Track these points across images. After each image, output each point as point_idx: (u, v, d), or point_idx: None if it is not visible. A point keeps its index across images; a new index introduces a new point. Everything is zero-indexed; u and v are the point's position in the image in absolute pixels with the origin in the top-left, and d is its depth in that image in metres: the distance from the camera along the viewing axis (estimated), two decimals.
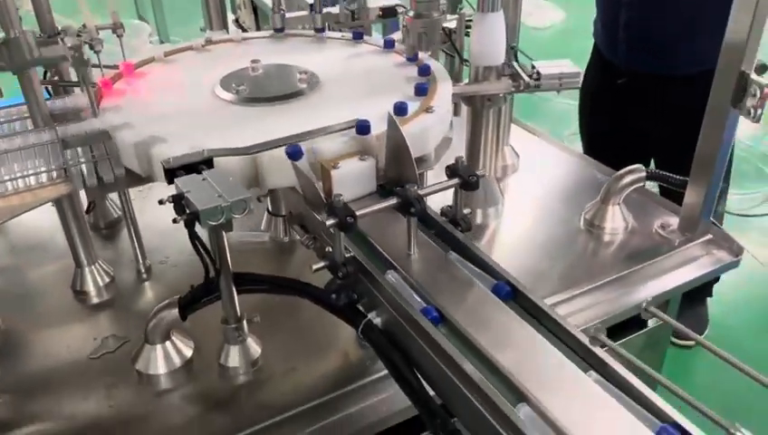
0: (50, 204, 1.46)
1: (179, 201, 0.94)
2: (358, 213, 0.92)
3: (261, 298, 1.19)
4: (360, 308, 1.00)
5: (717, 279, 2.48)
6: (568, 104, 3.92)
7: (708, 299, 2.59)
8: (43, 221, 1.52)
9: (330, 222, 0.90)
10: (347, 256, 0.98)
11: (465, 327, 0.86)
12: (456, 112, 1.62)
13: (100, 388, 1.13)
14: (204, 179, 0.97)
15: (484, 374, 0.79)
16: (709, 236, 1.44)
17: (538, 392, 0.75)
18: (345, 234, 0.93)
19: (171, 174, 0.99)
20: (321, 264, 0.97)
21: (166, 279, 1.39)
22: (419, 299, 0.93)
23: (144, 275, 1.40)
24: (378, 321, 0.96)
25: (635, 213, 1.51)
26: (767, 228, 3.30)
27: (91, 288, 1.34)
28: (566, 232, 1.51)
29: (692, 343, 2.51)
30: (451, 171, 1.01)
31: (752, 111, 1.21)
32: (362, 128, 1.12)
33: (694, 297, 2.54)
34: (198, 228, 0.94)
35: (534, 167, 1.79)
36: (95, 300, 1.34)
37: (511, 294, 0.93)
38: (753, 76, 1.19)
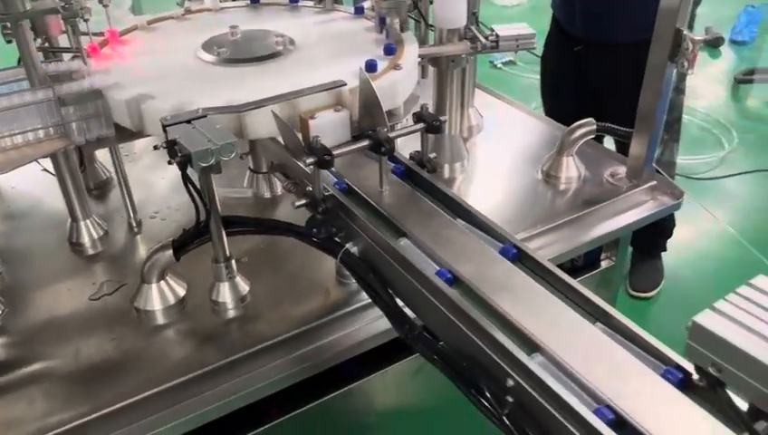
0: (42, 169, 1.57)
1: (173, 146, 1.04)
2: (334, 153, 1.04)
3: (248, 244, 1.31)
4: (338, 240, 1.11)
5: (671, 234, 2.66)
6: (536, 79, 4.07)
7: (663, 254, 2.76)
8: (37, 189, 1.62)
9: (309, 160, 1.02)
10: (326, 193, 1.10)
11: (431, 246, 0.98)
12: (424, 75, 1.73)
13: (101, 325, 1.24)
14: (194, 128, 1.07)
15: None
16: (653, 183, 1.58)
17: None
18: (323, 171, 1.05)
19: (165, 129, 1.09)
20: (303, 201, 1.09)
21: (156, 232, 1.49)
22: (390, 228, 1.06)
23: (136, 229, 1.50)
24: (354, 250, 1.08)
25: (587, 164, 1.65)
26: (722, 190, 3.49)
27: (86, 240, 1.43)
28: (526, 183, 1.64)
29: (649, 294, 2.69)
30: (417, 117, 1.13)
31: (685, 63, 1.34)
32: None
33: (649, 252, 2.72)
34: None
35: (498, 127, 1.92)
36: (90, 251, 1.44)
37: (474, 224, 1.05)
38: (686, 32, 1.33)
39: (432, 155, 1.19)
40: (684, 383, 0.70)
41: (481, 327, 0.84)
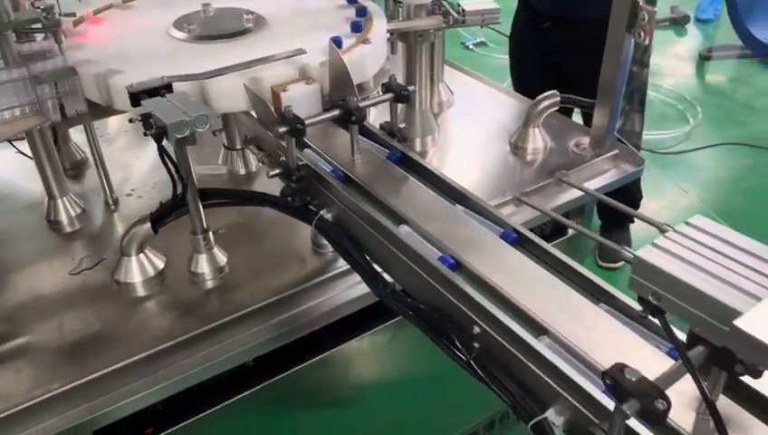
0: (16, 151, 1.58)
1: (148, 119, 1.07)
2: (306, 122, 1.07)
3: (226, 220, 1.34)
4: (312, 208, 1.15)
5: (638, 205, 2.74)
6: (506, 59, 4.13)
7: (631, 226, 2.85)
8: (12, 172, 1.63)
9: (282, 129, 1.06)
10: (299, 163, 1.14)
11: (410, 215, 1.03)
12: (393, 51, 1.77)
13: (82, 298, 1.27)
14: (168, 101, 1.10)
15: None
16: (616, 152, 1.64)
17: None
18: (296, 141, 1.09)
19: (135, 98, 1.12)
20: (277, 171, 1.13)
21: (133, 208, 1.51)
22: (362, 194, 1.10)
23: (113, 207, 1.52)
24: (328, 216, 1.13)
25: (553, 135, 1.71)
26: (688, 163, 3.59)
27: (63, 217, 1.45)
28: (495, 154, 1.70)
29: (617, 265, 2.77)
30: (386, 87, 1.18)
31: (642, 34, 1.40)
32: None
33: (618, 224, 2.80)
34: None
35: (468, 103, 1.97)
36: (68, 229, 1.46)
37: (446, 192, 1.10)
38: (642, 4, 1.38)
39: (402, 125, 1.24)
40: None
41: (449, 280, 0.89)
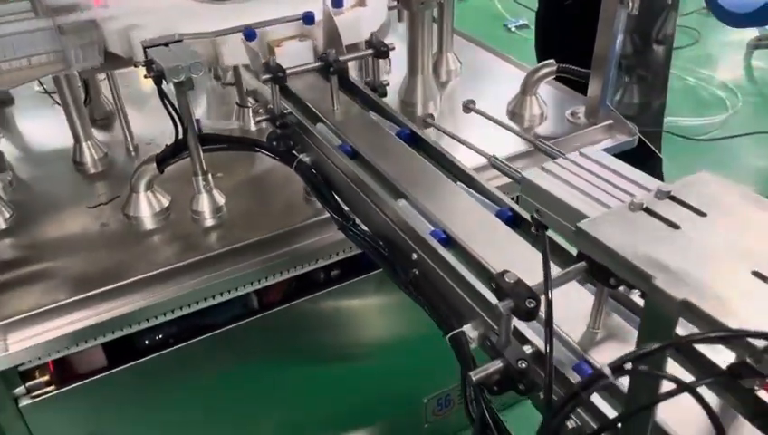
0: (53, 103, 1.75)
1: (151, 65, 1.20)
2: (288, 71, 1.18)
3: (225, 165, 1.48)
4: (295, 153, 1.26)
5: None
6: None
7: None
8: (44, 121, 1.81)
9: (265, 76, 1.17)
10: (284, 111, 1.25)
11: (374, 159, 1.12)
12: (400, 18, 1.86)
13: (96, 227, 1.42)
14: (170, 51, 1.23)
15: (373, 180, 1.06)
16: (610, 122, 1.69)
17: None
18: (279, 87, 1.20)
19: (145, 51, 1.25)
20: (264, 116, 1.24)
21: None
22: (340, 141, 1.20)
23: (133, 153, 1.67)
24: (307, 160, 1.23)
25: (550, 103, 1.77)
26: (724, 151, 3.53)
27: (87, 159, 1.61)
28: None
29: None
30: (367, 44, 1.27)
31: (630, 4, 1.45)
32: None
33: None
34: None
35: (475, 72, 2.04)
36: (92, 170, 1.62)
37: (410, 137, 1.19)
38: None
39: (384, 80, 1.33)
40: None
41: (391, 208, 0.99)
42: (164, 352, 1.40)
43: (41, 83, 1.91)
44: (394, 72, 1.92)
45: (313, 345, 1.63)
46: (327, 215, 1.39)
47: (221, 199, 1.44)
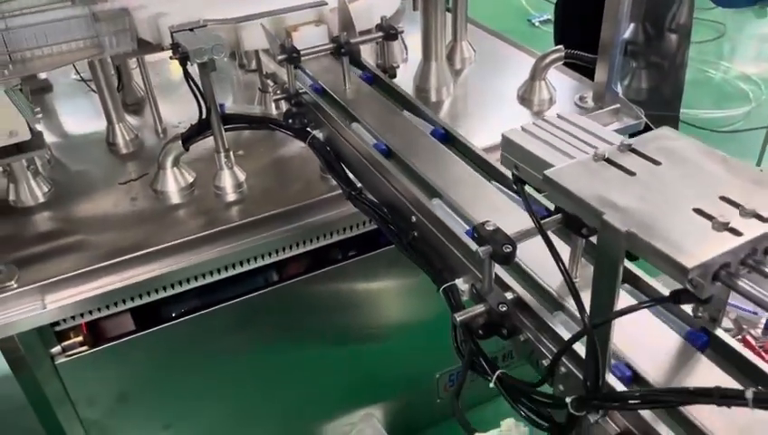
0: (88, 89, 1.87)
1: (177, 48, 1.30)
2: (302, 52, 1.27)
3: (246, 146, 1.57)
4: (309, 130, 1.35)
5: None
6: None
7: None
8: (81, 105, 1.94)
9: (280, 57, 1.26)
10: (300, 90, 1.34)
11: (379, 132, 1.20)
12: (415, 7, 1.93)
13: (126, 201, 1.53)
14: (194, 35, 1.33)
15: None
16: (617, 106, 1.74)
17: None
18: (294, 67, 1.28)
19: (172, 35, 1.35)
20: (281, 95, 1.33)
21: None
22: (350, 118, 1.28)
23: (161, 135, 1.78)
24: (320, 136, 1.32)
25: (559, 88, 1.83)
26: (743, 142, 3.53)
27: (120, 140, 1.72)
28: (503, 104, 1.83)
29: None
30: (377, 27, 1.35)
31: None
32: None
33: None
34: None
35: (490, 60, 2.11)
36: (123, 151, 1.73)
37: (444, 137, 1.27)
38: None
39: (395, 63, 1.41)
40: None
41: (393, 176, 1.06)
42: (186, 318, 1.50)
43: (77, 72, 2.03)
44: (411, 61, 2.01)
45: (329, 320, 1.71)
46: (340, 191, 1.49)
47: (242, 176, 1.53)
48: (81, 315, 1.37)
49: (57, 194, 1.57)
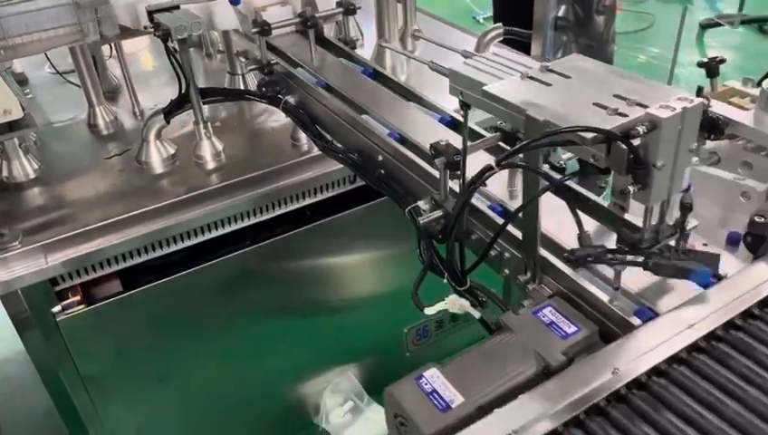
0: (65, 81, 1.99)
1: (158, 26, 1.45)
2: (272, 26, 1.44)
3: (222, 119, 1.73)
4: (281, 96, 1.52)
5: None
6: None
7: None
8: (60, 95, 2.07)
9: (254, 30, 1.43)
10: (272, 62, 1.51)
11: (345, 90, 1.38)
12: None
13: (114, 172, 1.67)
14: (173, 14, 1.48)
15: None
16: None
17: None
18: (265, 41, 1.45)
19: (150, 14, 1.51)
20: (254, 66, 1.50)
21: None
22: (317, 80, 1.46)
23: (139, 117, 1.92)
24: (292, 101, 1.49)
25: None
26: None
27: (100, 121, 1.86)
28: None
29: None
30: (337, 4, 1.53)
31: None
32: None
33: None
34: None
35: (438, 41, 2.31)
36: (104, 132, 1.86)
37: (372, 75, 1.46)
38: None
39: (356, 38, 1.60)
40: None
41: (360, 123, 1.24)
42: (171, 277, 1.64)
43: (52, 65, 2.15)
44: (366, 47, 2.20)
45: (303, 278, 1.88)
46: (310, 156, 1.66)
47: (219, 145, 1.69)
48: (78, 274, 1.50)
49: (46, 170, 1.69)
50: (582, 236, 0.89)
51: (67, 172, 1.69)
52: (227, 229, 1.64)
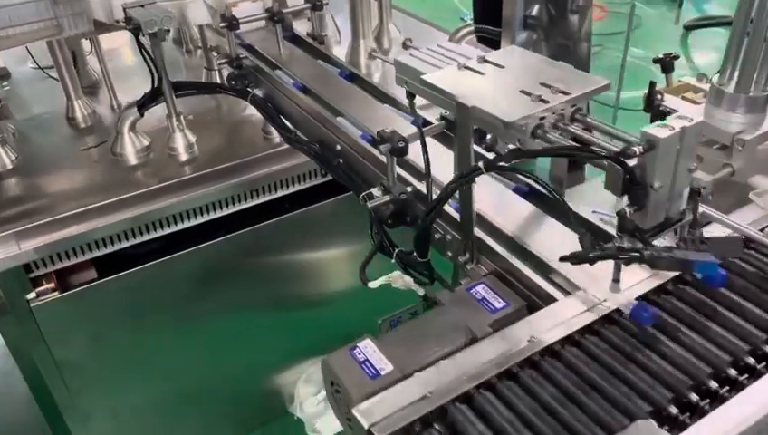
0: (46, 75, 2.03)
1: (130, 20, 1.50)
2: (240, 20, 1.49)
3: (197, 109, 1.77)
4: (249, 89, 1.56)
5: None
6: None
7: None
8: (39, 90, 2.10)
9: (222, 25, 1.47)
10: (241, 56, 1.55)
11: (311, 85, 1.43)
12: None
13: (89, 164, 1.71)
14: (145, 9, 1.53)
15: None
16: None
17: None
18: (234, 34, 1.50)
19: (125, 11, 1.55)
20: (223, 60, 1.54)
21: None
22: (284, 74, 1.51)
23: (116, 110, 1.96)
24: (260, 93, 1.54)
25: None
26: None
27: (78, 115, 1.90)
28: None
29: None
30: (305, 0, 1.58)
31: None
32: None
33: None
34: None
35: (414, 39, 2.35)
36: (82, 124, 1.91)
37: (350, 77, 1.50)
38: None
39: (324, 33, 1.64)
40: None
41: (322, 115, 1.29)
42: (146, 265, 1.68)
43: (34, 60, 2.19)
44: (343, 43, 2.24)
45: (277, 270, 1.92)
46: (281, 148, 1.71)
47: (192, 137, 1.73)
48: (52, 260, 1.54)
49: (24, 161, 1.74)
50: (583, 238, 0.87)
51: (44, 163, 1.74)
52: (200, 220, 1.69)
